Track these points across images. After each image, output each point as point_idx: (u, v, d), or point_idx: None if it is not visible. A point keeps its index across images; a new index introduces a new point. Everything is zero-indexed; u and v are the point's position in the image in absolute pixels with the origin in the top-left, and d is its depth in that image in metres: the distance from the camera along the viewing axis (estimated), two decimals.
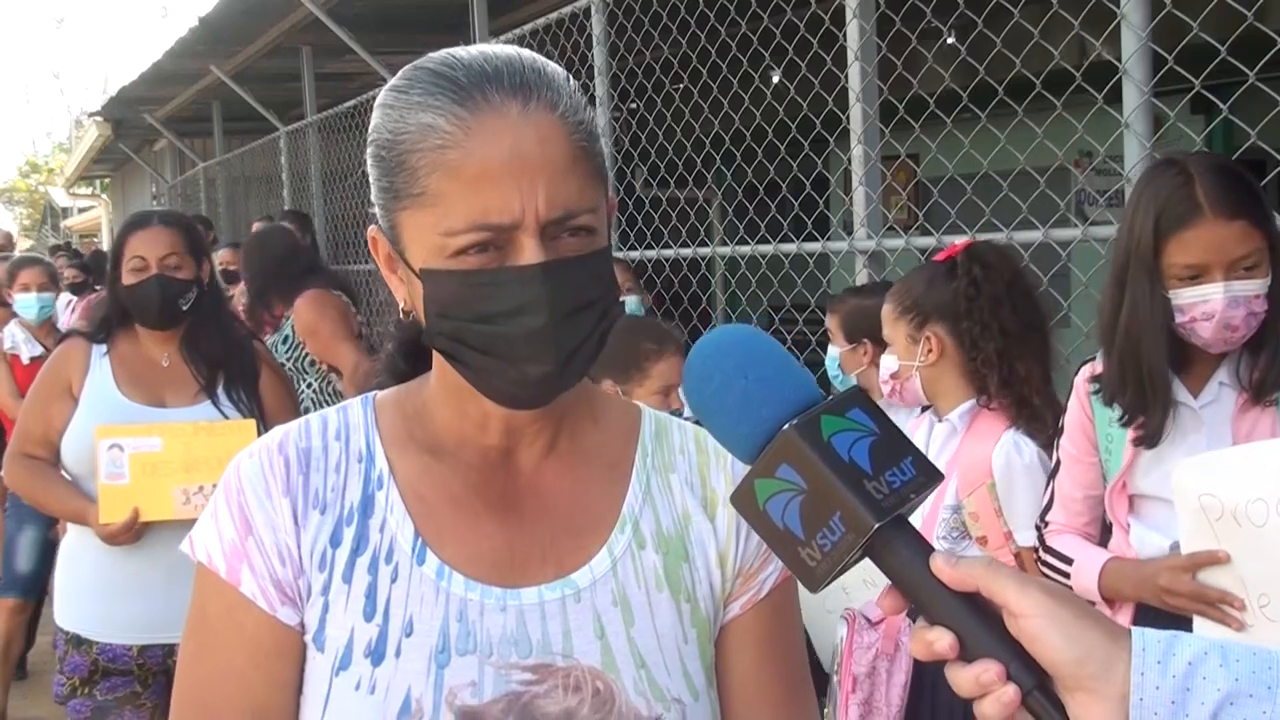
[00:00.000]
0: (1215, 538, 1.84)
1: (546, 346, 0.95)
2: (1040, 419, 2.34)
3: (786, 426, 0.81)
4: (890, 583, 0.81)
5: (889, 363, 2.51)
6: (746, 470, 0.83)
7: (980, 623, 0.77)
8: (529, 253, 0.94)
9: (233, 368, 2.92)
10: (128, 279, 2.85)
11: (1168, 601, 1.93)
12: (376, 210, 1.02)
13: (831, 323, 3.04)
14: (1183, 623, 1.90)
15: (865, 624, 2.41)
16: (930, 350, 2.41)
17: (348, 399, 1.13)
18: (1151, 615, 1.97)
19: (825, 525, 0.79)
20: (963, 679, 0.77)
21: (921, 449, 0.85)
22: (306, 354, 4.32)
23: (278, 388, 3.06)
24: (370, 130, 1.02)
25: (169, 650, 2.79)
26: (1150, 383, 2.02)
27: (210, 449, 2.76)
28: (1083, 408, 2.17)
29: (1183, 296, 1.95)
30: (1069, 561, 2.13)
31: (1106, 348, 2.09)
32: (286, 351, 4.33)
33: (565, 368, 0.97)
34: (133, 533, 2.72)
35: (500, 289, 0.94)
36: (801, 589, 0.94)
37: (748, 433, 0.83)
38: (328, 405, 4.79)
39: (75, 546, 2.89)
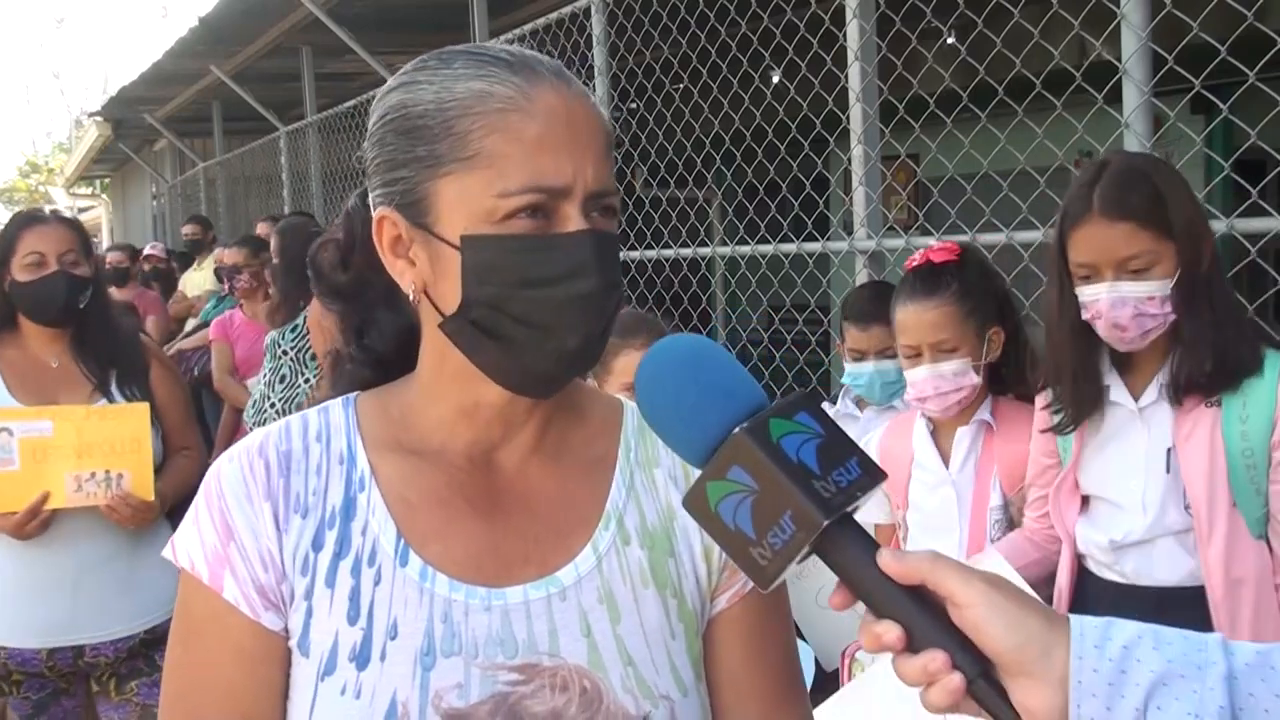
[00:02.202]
0: None
1: (589, 315, 0.97)
2: None
3: (737, 429, 0.83)
4: (839, 579, 0.84)
5: (952, 368, 2.31)
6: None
7: (926, 614, 0.80)
8: (574, 221, 0.96)
9: (122, 364, 2.86)
10: (23, 275, 2.76)
11: None
12: (389, 190, 1.00)
13: None
14: None
15: None
16: (994, 348, 2.37)
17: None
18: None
19: (776, 524, 0.81)
20: (910, 669, 0.79)
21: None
22: (310, 347, 4.27)
23: (169, 382, 2.97)
24: (392, 106, 1.00)
25: (79, 652, 2.73)
26: (1063, 374, 2.09)
27: (102, 433, 2.69)
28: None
29: (1082, 294, 2.00)
30: None
31: (1047, 339, 2.18)
32: (293, 340, 4.28)
33: (595, 344, 0.99)
34: (39, 522, 2.63)
35: (551, 253, 0.95)
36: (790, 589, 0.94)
37: (698, 437, 0.86)
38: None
39: None
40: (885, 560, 0.81)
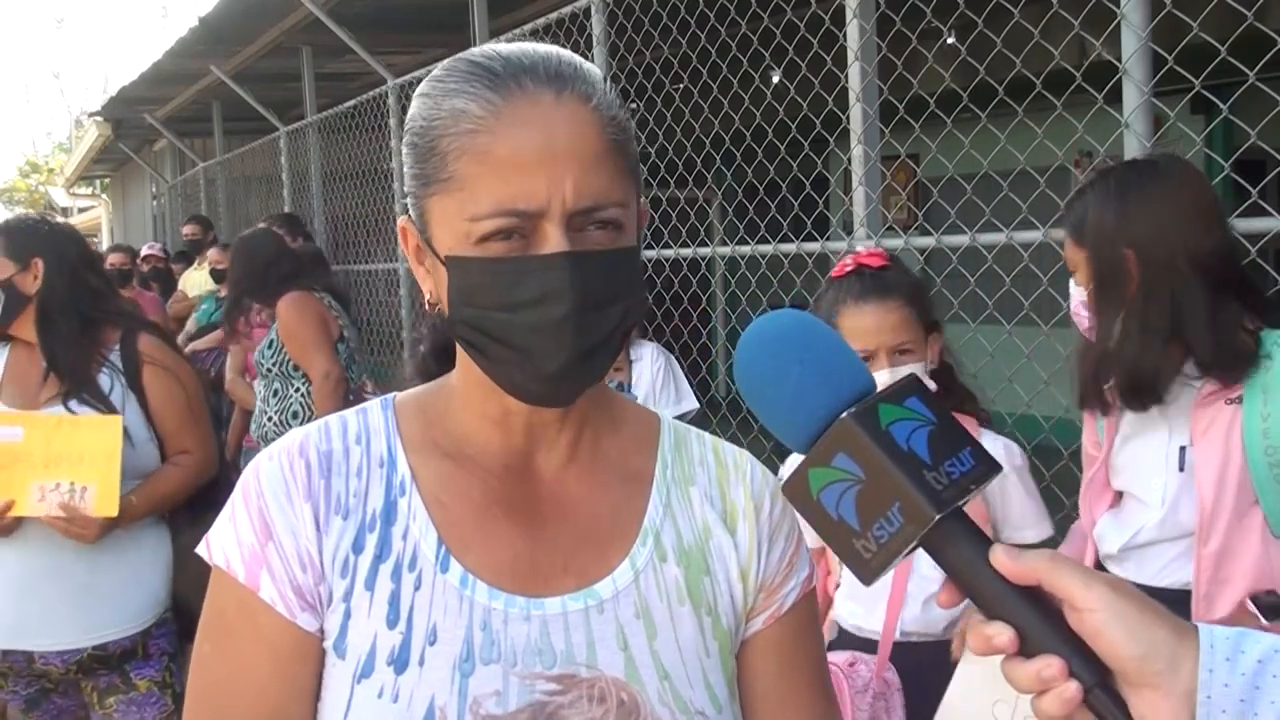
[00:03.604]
0: None
1: (564, 340, 0.94)
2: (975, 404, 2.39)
3: (844, 414, 0.79)
4: (947, 576, 0.80)
5: (911, 370, 2.25)
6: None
7: (1041, 617, 0.76)
8: (553, 242, 0.93)
9: (80, 378, 2.74)
10: None
11: None
12: (409, 200, 1.02)
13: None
14: None
15: (856, 658, 2.23)
16: (934, 355, 2.31)
17: (320, 408, 1.13)
18: None
19: (883, 516, 0.77)
20: (1022, 674, 0.75)
21: None
22: (289, 359, 4.27)
23: (165, 385, 2.84)
24: (407, 120, 1.02)
25: (29, 657, 2.68)
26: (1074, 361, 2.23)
27: (71, 444, 2.63)
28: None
29: None
30: None
31: None
32: (272, 356, 4.29)
33: (582, 364, 0.96)
34: (2, 527, 2.61)
35: (523, 277, 0.93)
36: None
37: (802, 420, 0.81)
38: (314, 410, 4.62)
39: None
40: (999, 558, 0.76)
